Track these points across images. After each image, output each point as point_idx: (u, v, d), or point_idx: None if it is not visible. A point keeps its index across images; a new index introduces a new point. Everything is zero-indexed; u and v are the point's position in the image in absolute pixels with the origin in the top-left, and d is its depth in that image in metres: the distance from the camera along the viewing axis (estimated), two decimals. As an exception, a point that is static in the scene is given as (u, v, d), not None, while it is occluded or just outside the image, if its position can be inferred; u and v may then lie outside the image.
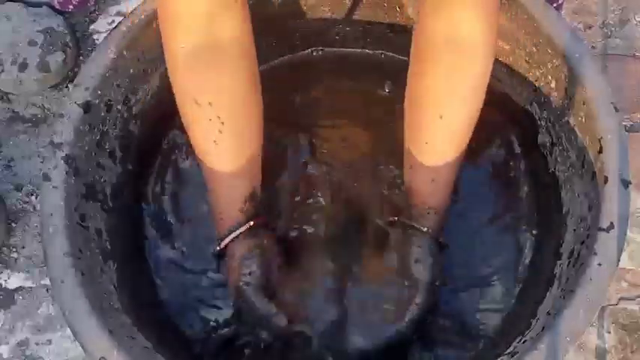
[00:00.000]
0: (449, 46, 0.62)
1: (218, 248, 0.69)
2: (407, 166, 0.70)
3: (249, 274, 0.67)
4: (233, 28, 0.63)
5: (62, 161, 0.67)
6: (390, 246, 0.71)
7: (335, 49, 0.87)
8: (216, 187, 0.68)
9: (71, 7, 1.05)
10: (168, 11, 0.62)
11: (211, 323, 0.75)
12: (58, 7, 1.04)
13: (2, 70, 0.99)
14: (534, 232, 0.78)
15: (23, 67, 0.99)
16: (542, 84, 0.74)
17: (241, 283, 0.67)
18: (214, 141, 0.65)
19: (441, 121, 0.65)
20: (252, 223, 0.68)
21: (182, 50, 0.62)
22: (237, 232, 0.68)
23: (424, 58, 0.65)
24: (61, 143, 0.67)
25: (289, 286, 0.70)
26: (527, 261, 0.76)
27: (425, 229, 0.68)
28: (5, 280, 0.94)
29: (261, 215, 0.70)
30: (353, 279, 0.71)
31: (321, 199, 0.77)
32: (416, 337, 0.70)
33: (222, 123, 0.64)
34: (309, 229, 0.76)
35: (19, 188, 0.99)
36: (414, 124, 0.68)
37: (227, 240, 0.68)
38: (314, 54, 0.88)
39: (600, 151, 0.65)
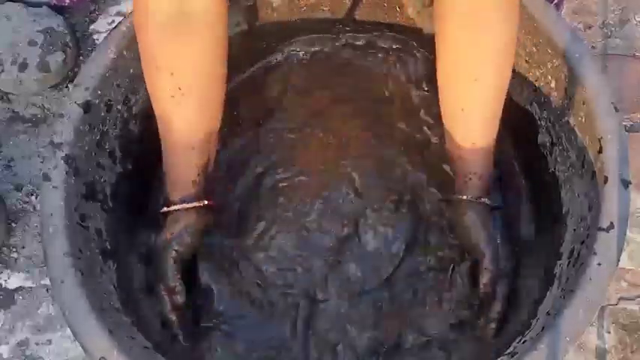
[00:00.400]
0: (473, 11, 0.64)
1: (165, 209, 0.70)
2: (447, 134, 0.71)
3: (181, 244, 0.69)
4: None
5: (62, 161, 0.67)
6: (445, 225, 0.76)
7: (335, 49, 0.87)
8: (171, 154, 0.69)
9: (68, 0, 1.04)
10: None
11: (211, 324, 0.75)
12: (55, 1, 1.04)
13: (2, 70, 0.99)
14: (534, 232, 0.78)
15: (23, 67, 0.99)
16: (542, 84, 0.74)
17: (169, 246, 0.69)
18: (172, 110, 0.66)
19: (476, 84, 0.66)
20: (205, 202, 0.69)
21: (151, 15, 0.63)
22: (190, 204, 0.69)
23: (449, 25, 0.66)
24: (61, 143, 0.67)
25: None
26: (526, 261, 0.76)
27: (470, 197, 0.70)
28: (5, 280, 0.94)
29: (211, 198, 0.71)
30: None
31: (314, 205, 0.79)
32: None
33: (182, 93, 0.65)
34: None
35: (19, 188, 0.99)
36: (449, 92, 0.69)
37: (176, 207, 0.69)
38: (313, 54, 0.87)
39: (600, 151, 0.65)
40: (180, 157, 0.69)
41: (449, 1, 0.65)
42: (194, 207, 0.69)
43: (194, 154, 0.68)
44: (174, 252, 0.69)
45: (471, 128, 0.69)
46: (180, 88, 0.65)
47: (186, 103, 0.66)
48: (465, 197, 0.70)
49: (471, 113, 0.68)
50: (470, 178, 0.70)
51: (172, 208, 0.69)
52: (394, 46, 0.85)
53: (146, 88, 0.76)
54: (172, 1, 0.62)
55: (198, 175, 0.69)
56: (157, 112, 0.68)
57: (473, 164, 0.70)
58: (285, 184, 0.81)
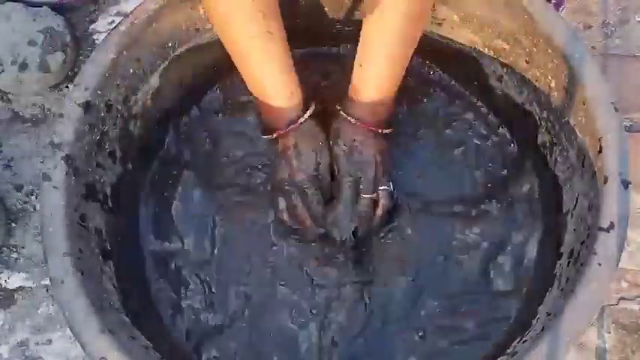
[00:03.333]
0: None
1: (277, 134, 0.75)
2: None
3: (318, 165, 0.75)
4: None
5: (62, 161, 0.67)
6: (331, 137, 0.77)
7: (334, 49, 0.87)
8: (269, 81, 0.72)
9: None
10: None
11: (209, 324, 0.76)
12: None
13: (2, 70, 0.99)
14: (534, 231, 0.78)
15: (23, 67, 0.99)
16: (542, 84, 0.74)
17: (304, 176, 0.74)
18: (264, 45, 0.70)
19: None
20: (313, 107, 0.75)
21: None
22: (306, 115, 0.74)
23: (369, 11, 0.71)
24: (61, 143, 0.67)
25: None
26: (527, 261, 0.76)
27: (350, 118, 0.74)
28: (5, 280, 0.94)
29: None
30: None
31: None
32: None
33: (271, 32, 0.69)
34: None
35: (19, 188, 0.99)
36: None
37: (296, 124, 0.74)
38: (313, 54, 0.87)
39: (600, 151, 0.65)
40: (278, 81, 0.72)
41: None
42: (303, 122, 0.74)
43: (289, 78, 0.73)
44: (314, 180, 0.75)
45: (364, 53, 0.72)
46: (269, 29, 0.69)
47: (276, 40, 0.70)
48: (346, 116, 0.74)
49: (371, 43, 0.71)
50: (355, 99, 0.73)
51: (292, 127, 0.74)
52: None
53: (146, 87, 0.77)
54: None
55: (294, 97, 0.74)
56: (245, 50, 0.71)
57: (359, 84, 0.73)
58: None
